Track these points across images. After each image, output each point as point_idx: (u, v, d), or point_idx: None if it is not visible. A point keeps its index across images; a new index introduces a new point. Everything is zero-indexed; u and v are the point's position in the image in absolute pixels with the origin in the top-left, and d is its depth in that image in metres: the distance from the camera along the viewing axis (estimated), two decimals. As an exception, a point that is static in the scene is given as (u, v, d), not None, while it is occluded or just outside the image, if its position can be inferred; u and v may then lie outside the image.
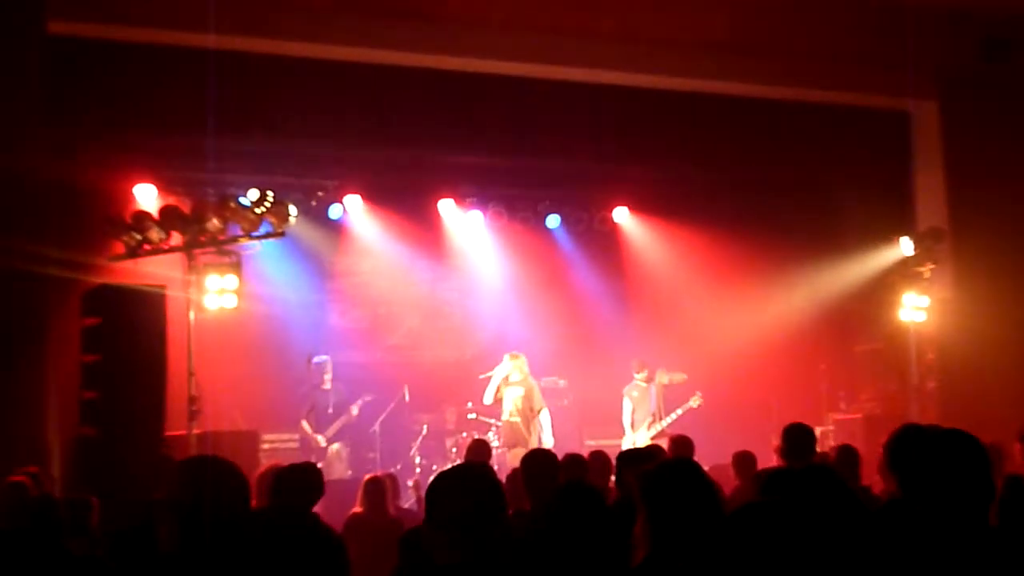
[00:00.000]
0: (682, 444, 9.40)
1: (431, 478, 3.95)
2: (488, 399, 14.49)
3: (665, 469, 4.24)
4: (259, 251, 13.40)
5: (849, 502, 4.01)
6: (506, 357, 14.64)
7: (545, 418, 14.39)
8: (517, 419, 14.30)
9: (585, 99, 14.98)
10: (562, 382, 17.34)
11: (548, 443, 13.89)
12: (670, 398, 15.52)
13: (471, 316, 18.01)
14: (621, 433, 15.54)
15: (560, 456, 7.82)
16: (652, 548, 4.00)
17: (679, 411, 15.19)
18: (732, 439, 12.52)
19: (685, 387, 15.66)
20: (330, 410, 14.85)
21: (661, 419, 15.28)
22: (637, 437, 15.16)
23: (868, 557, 3.46)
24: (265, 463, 9.47)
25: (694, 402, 15.19)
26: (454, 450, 15.62)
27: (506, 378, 14.50)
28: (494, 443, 14.19)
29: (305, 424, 14.80)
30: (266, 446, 14.25)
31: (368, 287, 17.60)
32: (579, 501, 4.43)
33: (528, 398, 14.41)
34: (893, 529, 3.57)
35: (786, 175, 16.61)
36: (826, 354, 17.34)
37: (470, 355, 17.33)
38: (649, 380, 15.49)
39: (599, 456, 8.85)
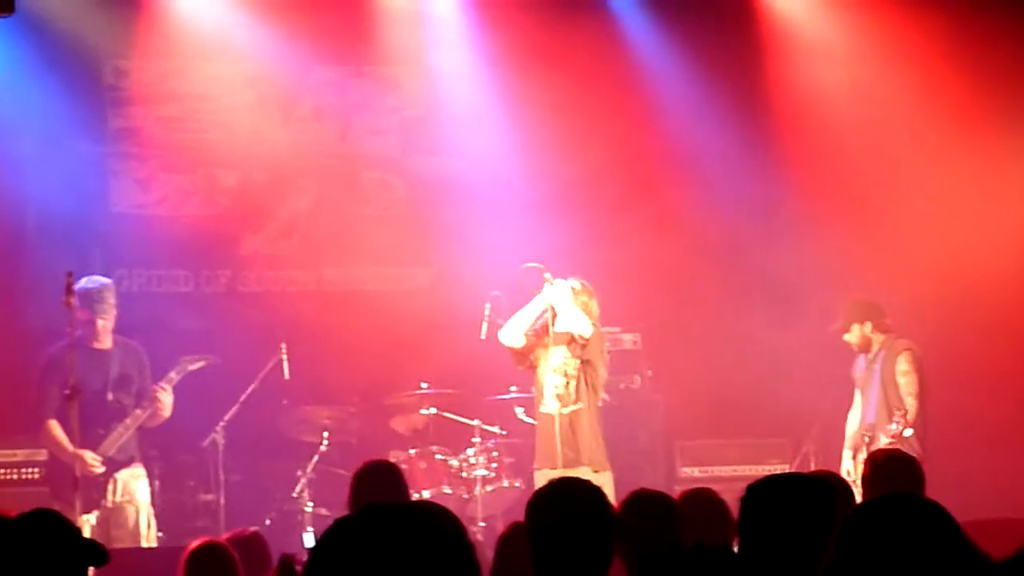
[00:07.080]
0: (895, 465, 6.26)
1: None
2: (509, 336, 9.05)
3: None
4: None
5: None
6: (550, 280, 9.13)
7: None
8: (561, 407, 8.96)
9: None
10: (629, 338, 11.22)
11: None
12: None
13: (426, 195, 11.79)
14: (769, 454, 10.84)
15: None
16: None
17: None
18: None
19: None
20: (109, 395, 9.56)
21: (899, 416, 9.27)
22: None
23: None
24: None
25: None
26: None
27: (548, 320, 9.07)
28: (479, 471, 10.06)
29: (55, 427, 9.53)
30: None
31: (197, 124, 11.54)
32: None
33: (591, 364, 9.04)
34: None
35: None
36: None
37: (428, 280, 11.65)
38: (866, 347, 9.92)
39: (710, 507, 5.42)
